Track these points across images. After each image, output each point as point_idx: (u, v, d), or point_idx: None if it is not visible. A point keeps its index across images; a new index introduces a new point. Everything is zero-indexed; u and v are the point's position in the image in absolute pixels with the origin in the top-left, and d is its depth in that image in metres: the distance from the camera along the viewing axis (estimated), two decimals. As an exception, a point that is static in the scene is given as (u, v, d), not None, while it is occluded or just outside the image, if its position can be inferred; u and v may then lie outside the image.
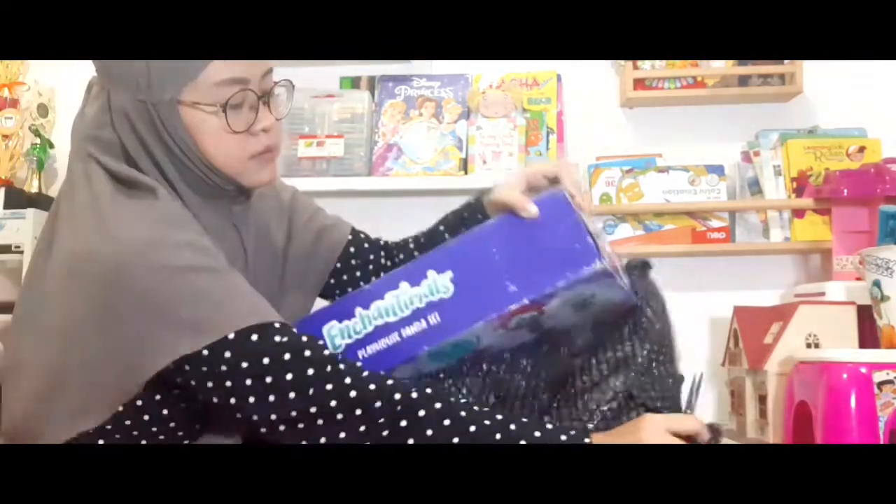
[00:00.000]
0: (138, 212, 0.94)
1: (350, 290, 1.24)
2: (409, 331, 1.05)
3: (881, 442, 1.39)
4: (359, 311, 1.06)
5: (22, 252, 1.99)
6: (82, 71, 2.16)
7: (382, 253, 1.30)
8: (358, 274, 1.26)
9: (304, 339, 0.94)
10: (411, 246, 1.30)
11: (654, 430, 0.96)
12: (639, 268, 1.12)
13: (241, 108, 0.98)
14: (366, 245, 1.29)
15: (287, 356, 0.91)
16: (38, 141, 2.17)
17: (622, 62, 2.06)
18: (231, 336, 0.90)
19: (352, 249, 1.27)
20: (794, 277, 2.04)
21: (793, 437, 1.57)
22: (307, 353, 0.92)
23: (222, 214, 1.05)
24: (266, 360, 0.90)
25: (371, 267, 1.27)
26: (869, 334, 1.63)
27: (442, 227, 1.29)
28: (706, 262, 2.05)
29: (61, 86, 2.25)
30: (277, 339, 0.92)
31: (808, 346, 1.64)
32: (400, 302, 1.05)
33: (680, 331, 2.06)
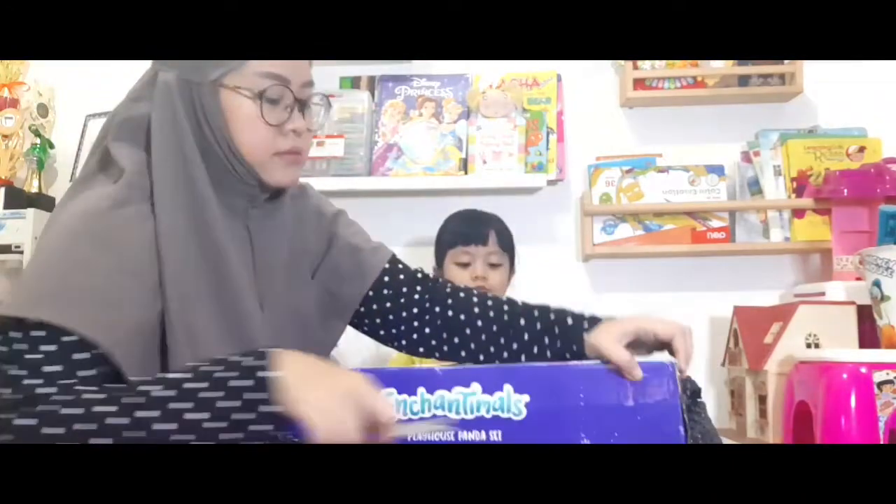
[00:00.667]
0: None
1: (380, 321, 1.18)
2: (466, 435, 1.01)
3: (881, 442, 1.39)
4: (421, 391, 1.02)
5: (22, 252, 1.99)
6: (82, 71, 2.19)
7: (418, 287, 1.19)
8: (388, 305, 1.17)
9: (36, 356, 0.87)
10: (475, 305, 1.18)
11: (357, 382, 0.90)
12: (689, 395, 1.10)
13: (278, 104, 1.00)
14: (401, 276, 1.20)
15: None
16: (38, 141, 2.17)
17: (622, 62, 2.06)
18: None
19: (386, 278, 1.19)
20: (794, 277, 2.04)
21: (793, 437, 1.57)
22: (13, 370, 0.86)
23: (236, 214, 1.03)
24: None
25: (403, 300, 1.18)
26: (869, 334, 1.63)
27: (523, 315, 1.18)
28: (706, 262, 2.05)
29: (61, 86, 2.25)
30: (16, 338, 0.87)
31: (808, 346, 1.64)
32: (467, 403, 1.02)
33: (680, 331, 2.07)
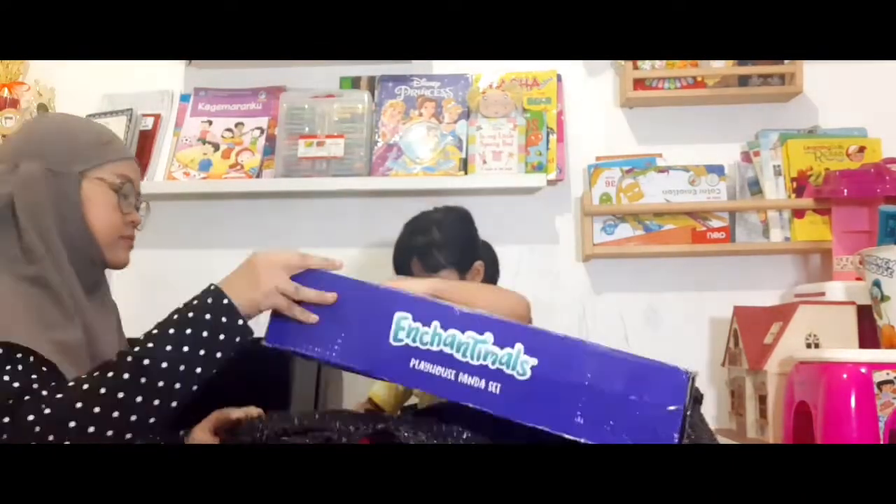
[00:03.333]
0: None
1: None
2: (466, 378, 1.03)
3: (881, 442, 1.39)
4: (436, 325, 1.06)
5: (22, 252, 1.98)
6: (82, 71, 2.19)
7: None
8: None
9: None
10: None
11: (267, 253, 1.14)
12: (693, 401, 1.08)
13: (127, 199, 1.22)
14: None
15: None
16: (38, 141, 2.16)
17: (622, 62, 2.06)
18: None
19: None
20: (794, 277, 2.04)
21: (793, 437, 1.57)
22: None
23: (85, 282, 1.18)
24: None
25: None
26: (869, 334, 1.63)
27: None
28: (706, 262, 2.05)
29: (61, 86, 2.25)
30: None
31: (808, 346, 1.64)
32: (476, 349, 1.04)
33: (680, 331, 2.07)
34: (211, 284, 1.12)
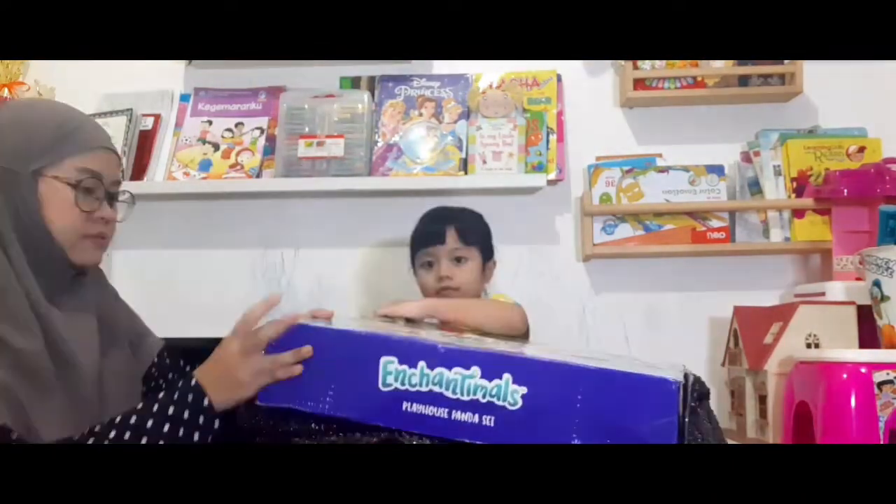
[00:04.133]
0: None
1: None
2: (460, 415, 1.04)
3: (881, 442, 1.39)
4: (422, 366, 1.06)
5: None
6: (82, 71, 2.19)
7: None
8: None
9: None
10: None
11: (231, 346, 1.13)
12: (698, 397, 1.08)
13: (91, 195, 1.16)
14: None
15: None
16: (38, 141, 2.16)
17: (622, 62, 2.06)
18: None
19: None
20: (794, 277, 2.04)
21: (793, 437, 1.57)
22: None
23: (51, 285, 1.14)
24: None
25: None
26: (869, 334, 1.63)
27: None
28: (706, 262, 2.05)
29: (61, 86, 2.25)
30: None
31: (808, 346, 1.64)
32: (465, 385, 1.04)
33: (680, 331, 2.07)
34: (192, 379, 1.12)
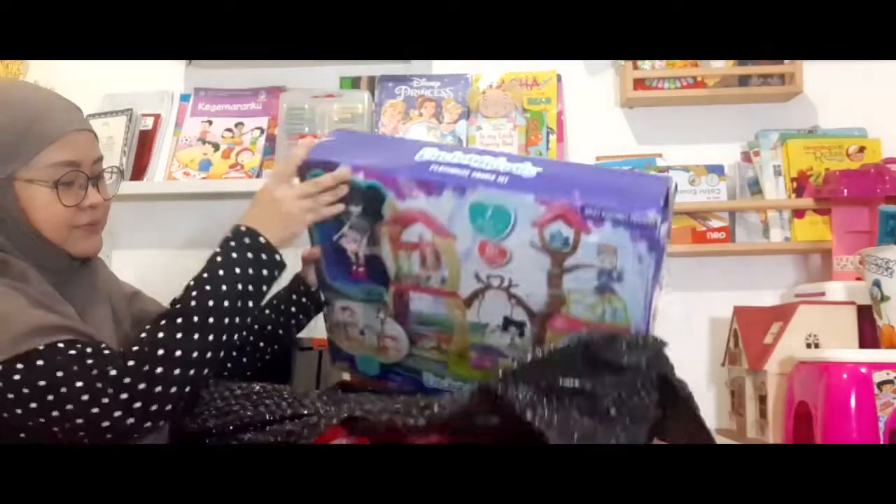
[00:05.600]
0: None
1: None
2: (478, 175, 1.10)
3: (881, 442, 1.39)
4: (457, 153, 1.15)
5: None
6: (82, 71, 2.19)
7: None
8: None
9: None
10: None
11: (268, 185, 1.16)
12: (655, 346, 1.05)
13: (73, 186, 1.11)
14: None
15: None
16: (38, 141, 2.16)
17: (622, 62, 2.06)
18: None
19: None
20: (794, 277, 2.04)
21: (793, 437, 1.57)
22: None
23: (57, 278, 1.12)
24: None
25: None
26: (869, 334, 1.63)
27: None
28: (706, 262, 2.05)
29: (61, 86, 2.24)
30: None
31: (808, 346, 1.64)
32: (491, 162, 1.12)
33: (680, 331, 2.07)
34: (239, 226, 1.14)
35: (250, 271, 1.10)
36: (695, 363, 2.03)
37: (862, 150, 1.97)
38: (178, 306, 1.07)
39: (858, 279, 1.74)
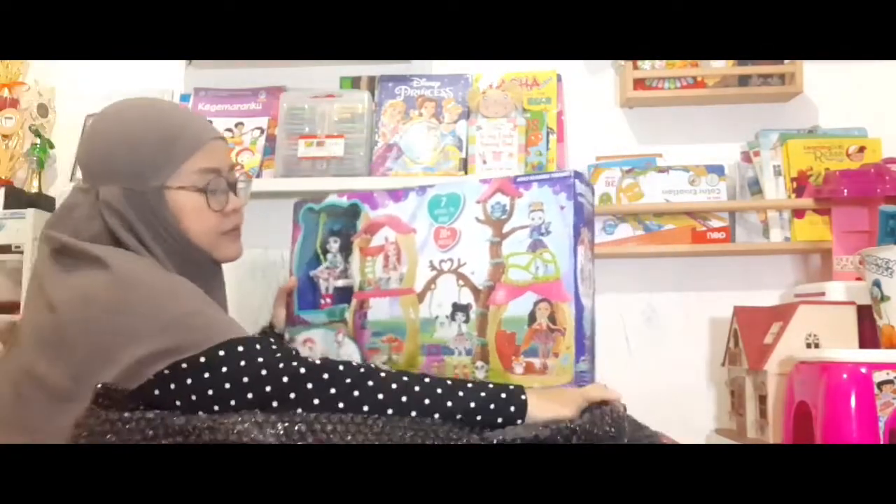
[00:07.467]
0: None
1: None
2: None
3: (881, 442, 1.39)
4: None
5: (22, 252, 1.99)
6: (82, 71, 2.19)
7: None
8: None
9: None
10: None
11: (574, 395, 1.08)
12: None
13: (217, 193, 1.17)
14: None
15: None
16: (38, 141, 2.17)
17: (622, 62, 2.06)
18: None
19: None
20: (794, 277, 2.04)
21: (793, 437, 1.57)
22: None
23: (201, 282, 1.13)
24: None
25: None
26: (869, 334, 1.63)
27: None
28: (706, 262, 2.05)
29: (61, 86, 2.25)
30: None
31: (808, 346, 1.64)
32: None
33: (680, 331, 2.07)
34: (523, 394, 1.06)
35: (478, 417, 1.04)
36: (695, 363, 2.03)
37: (862, 149, 1.97)
38: (392, 383, 1.03)
39: (858, 279, 1.74)
